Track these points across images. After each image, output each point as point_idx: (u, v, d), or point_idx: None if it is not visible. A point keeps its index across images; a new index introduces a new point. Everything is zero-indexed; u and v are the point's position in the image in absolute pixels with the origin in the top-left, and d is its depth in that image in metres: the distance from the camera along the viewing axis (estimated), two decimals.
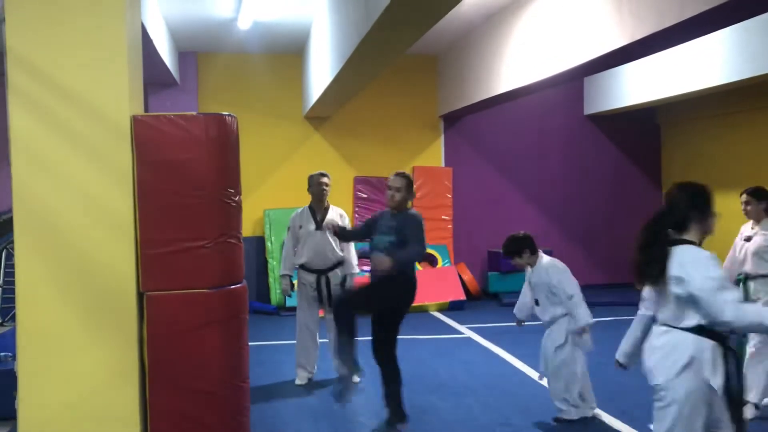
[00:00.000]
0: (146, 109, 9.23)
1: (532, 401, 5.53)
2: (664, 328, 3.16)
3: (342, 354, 4.73)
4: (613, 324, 8.58)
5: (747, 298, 5.22)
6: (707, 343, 3.03)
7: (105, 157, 3.92)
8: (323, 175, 6.20)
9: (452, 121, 11.08)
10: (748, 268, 5.30)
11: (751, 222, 5.42)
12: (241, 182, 4.33)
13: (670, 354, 3.08)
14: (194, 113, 4.10)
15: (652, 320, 3.34)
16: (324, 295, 6.05)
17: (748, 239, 5.36)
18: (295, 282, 6.34)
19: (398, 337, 4.90)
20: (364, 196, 10.81)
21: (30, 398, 3.87)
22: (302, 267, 6.12)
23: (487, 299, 10.60)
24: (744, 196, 5.40)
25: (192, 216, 4.02)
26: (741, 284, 5.32)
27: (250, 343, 4.44)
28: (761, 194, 5.35)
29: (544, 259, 5.11)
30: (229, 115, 4.17)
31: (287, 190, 10.27)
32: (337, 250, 6.13)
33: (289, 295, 6.29)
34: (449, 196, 10.95)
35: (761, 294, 5.23)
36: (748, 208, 5.38)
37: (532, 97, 10.03)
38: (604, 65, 6.84)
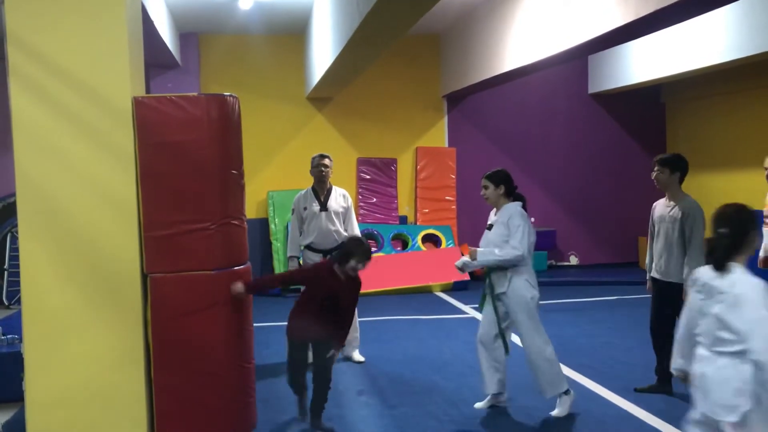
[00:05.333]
0: (148, 91, 9.17)
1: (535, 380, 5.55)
2: None
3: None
4: (618, 303, 8.62)
5: (489, 292, 4.89)
6: None
7: (107, 140, 3.92)
8: (323, 156, 6.18)
9: (455, 101, 11.03)
10: None
11: (494, 209, 4.95)
12: (244, 164, 4.32)
13: None
14: (195, 94, 4.08)
15: None
16: None
17: (490, 228, 4.90)
18: (301, 263, 6.35)
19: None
20: (368, 177, 10.79)
21: (36, 380, 3.90)
22: (308, 247, 6.13)
23: None
24: (482, 181, 4.90)
25: (195, 198, 4.02)
26: (486, 278, 4.94)
27: (255, 325, 4.47)
28: (497, 178, 4.84)
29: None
30: (230, 95, 4.15)
31: (290, 172, 10.25)
32: (342, 230, 6.13)
33: None
34: (453, 176, 10.92)
35: (498, 287, 4.79)
36: (486, 192, 4.86)
37: (536, 76, 9.96)
38: (609, 43, 6.78)
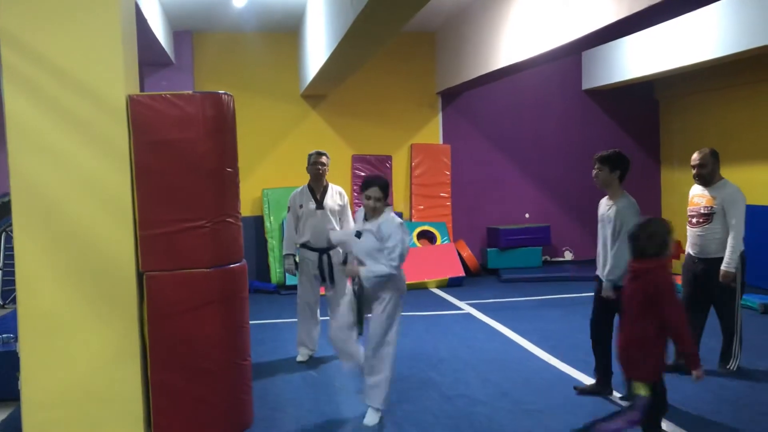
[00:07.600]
0: (142, 89, 9.13)
1: (531, 375, 5.59)
2: None
3: None
4: None
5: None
6: None
7: (102, 138, 3.92)
8: (320, 154, 6.18)
9: (450, 98, 11.04)
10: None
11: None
12: (239, 162, 4.33)
13: None
14: (190, 92, 4.09)
15: None
16: (326, 274, 6.07)
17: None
18: (297, 260, 6.34)
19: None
20: (363, 174, 10.79)
21: (33, 379, 3.91)
22: (303, 246, 6.13)
23: (486, 275, 10.64)
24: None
25: (190, 196, 4.03)
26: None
27: (251, 322, 4.47)
28: (360, 182, 4.61)
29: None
30: (225, 93, 4.16)
31: (285, 170, 10.26)
32: (338, 228, 6.13)
33: (294, 274, 6.28)
34: (448, 173, 10.94)
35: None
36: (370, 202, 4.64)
37: (530, 73, 9.98)
38: (603, 39, 6.80)
